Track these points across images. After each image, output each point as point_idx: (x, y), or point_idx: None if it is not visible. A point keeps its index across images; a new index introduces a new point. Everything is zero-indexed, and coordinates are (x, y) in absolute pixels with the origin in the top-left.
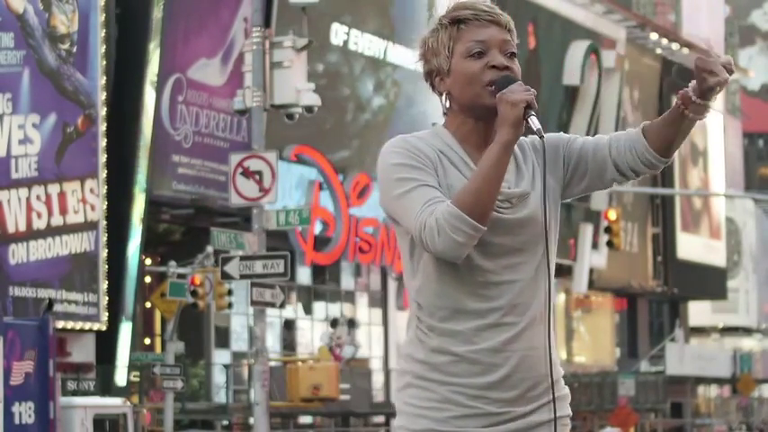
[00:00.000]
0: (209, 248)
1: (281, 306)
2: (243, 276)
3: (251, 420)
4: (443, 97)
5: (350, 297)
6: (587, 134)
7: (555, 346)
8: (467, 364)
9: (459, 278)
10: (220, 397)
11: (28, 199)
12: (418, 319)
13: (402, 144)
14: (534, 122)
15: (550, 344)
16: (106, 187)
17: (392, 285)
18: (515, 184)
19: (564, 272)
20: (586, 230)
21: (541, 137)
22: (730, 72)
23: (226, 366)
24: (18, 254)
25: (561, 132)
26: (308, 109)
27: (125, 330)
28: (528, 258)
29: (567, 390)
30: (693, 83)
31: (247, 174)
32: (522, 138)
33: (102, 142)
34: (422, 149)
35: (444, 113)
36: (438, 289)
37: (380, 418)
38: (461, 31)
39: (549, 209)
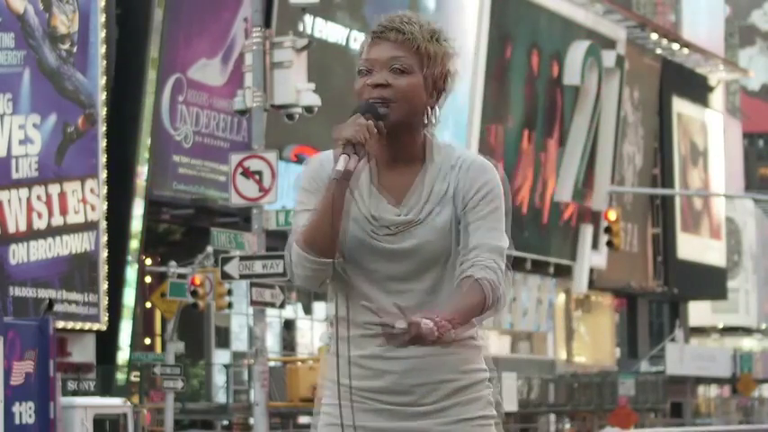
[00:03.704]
0: (209, 248)
1: (281, 306)
2: (243, 276)
3: (251, 420)
4: None
5: None
6: (588, 134)
7: (452, 352)
8: (356, 367)
9: (347, 296)
10: (220, 397)
11: (28, 199)
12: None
13: (312, 165)
14: (338, 163)
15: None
16: (106, 187)
17: None
18: (407, 211)
19: (564, 272)
20: (586, 231)
21: (334, 179)
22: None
23: (226, 366)
24: (18, 254)
25: (477, 186)
26: (308, 109)
27: (125, 330)
28: (414, 286)
29: (483, 392)
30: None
31: (247, 174)
32: (442, 162)
33: (103, 142)
34: (324, 175)
35: None
36: (333, 300)
37: None
38: (366, 47)
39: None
